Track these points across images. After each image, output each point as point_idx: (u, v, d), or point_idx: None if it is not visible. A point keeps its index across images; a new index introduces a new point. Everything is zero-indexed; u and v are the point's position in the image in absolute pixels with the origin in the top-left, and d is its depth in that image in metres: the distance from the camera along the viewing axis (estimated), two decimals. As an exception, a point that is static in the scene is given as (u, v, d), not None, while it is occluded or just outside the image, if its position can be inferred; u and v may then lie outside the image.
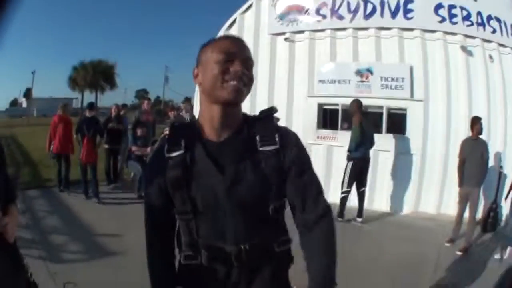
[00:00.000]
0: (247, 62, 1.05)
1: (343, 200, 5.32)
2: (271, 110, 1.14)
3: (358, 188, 5.47)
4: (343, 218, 5.26)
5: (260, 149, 1.06)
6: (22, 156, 11.26)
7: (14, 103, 62.61)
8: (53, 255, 3.82)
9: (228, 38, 1.10)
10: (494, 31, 6.51)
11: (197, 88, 5.71)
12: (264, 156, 1.05)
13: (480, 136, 4.82)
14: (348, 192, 5.36)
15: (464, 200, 4.69)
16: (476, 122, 4.81)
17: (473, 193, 4.59)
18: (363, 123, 5.32)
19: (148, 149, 6.03)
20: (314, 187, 1.10)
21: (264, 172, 1.04)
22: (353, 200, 5.54)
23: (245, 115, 1.12)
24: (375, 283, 3.47)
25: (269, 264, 1.10)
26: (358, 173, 5.38)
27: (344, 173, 5.36)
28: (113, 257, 3.77)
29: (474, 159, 4.62)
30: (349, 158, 5.37)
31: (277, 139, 1.07)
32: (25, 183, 7.01)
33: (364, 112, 5.58)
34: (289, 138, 1.10)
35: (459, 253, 4.35)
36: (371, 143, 5.51)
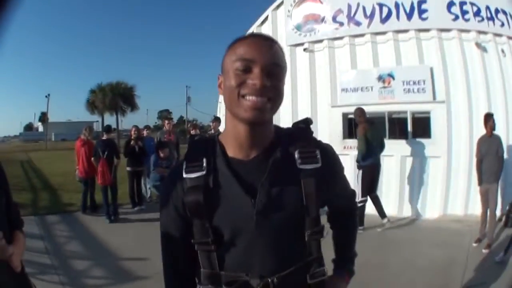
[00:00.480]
0: (273, 70, 0.86)
1: (362, 209, 5.29)
2: (308, 122, 1.00)
3: (369, 195, 5.45)
4: (364, 226, 5.27)
5: (300, 167, 0.91)
6: (40, 181, 11.06)
7: (29, 127, 62.87)
8: (75, 280, 3.77)
9: (250, 38, 0.91)
10: (502, 25, 6.59)
11: (219, 99, 5.51)
12: (304, 175, 0.91)
13: (494, 132, 4.84)
14: (365, 201, 5.37)
15: (485, 198, 4.72)
16: (488, 119, 4.81)
17: (492, 188, 4.60)
18: (367, 133, 5.29)
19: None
20: (351, 195, 1.16)
21: (303, 193, 0.90)
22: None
23: (277, 127, 0.98)
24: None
25: None
26: (370, 181, 5.38)
27: (357, 183, 5.34)
28: (139, 281, 3.65)
29: (490, 156, 4.66)
30: (358, 167, 5.36)
31: (318, 156, 0.93)
32: (45, 208, 6.97)
33: (369, 119, 5.55)
34: (331, 155, 0.99)
35: (485, 251, 4.39)
36: (381, 147, 5.49)
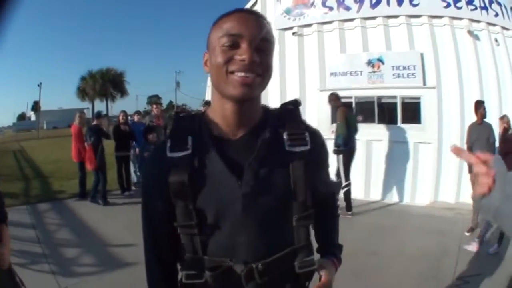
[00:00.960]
0: (262, 45, 0.81)
1: (347, 193, 5.19)
2: (297, 103, 0.96)
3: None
4: (352, 212, 5.14)
5: (288, 149, 0.87)
6: (32, 170, 11.02)
7: (22, 117, 62.53)
8: (64, 269, 3.72)
9: (235, 13, 0.84)
10: (496, 15, 6.57)
11: (208, 82, 5.47)
12: (293, 157, 0.86)
13: (485, 120, 4.73)
14: (349, 185, 5.24)
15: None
16: (479, 106, 4.71)
17: None
18: (347, 117, 5.19)
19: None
20: (333, 187, 1.15)
21: (291, 176, 0.86)
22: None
23: (265, 107, 0.93)
24: (398, 275, 3.43)
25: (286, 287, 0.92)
26: (349, 165, 5.26)
27: (338, 168, 5.20)
28: (129, 268, 3.60)
29: (480, 144, 4.53)
30: (337, 152, 5.18)
31: (307, 138, 0.89)
32: (36, 196, 6.96)
33: (345, 103, 5.46)
34: (320, 139, 0.95)
35: (477, 240, 4.21)
36: (355, 131, 5.40)
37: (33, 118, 52.97)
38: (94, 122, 6.60)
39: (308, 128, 0.93)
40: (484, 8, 6.49)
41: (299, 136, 0.89)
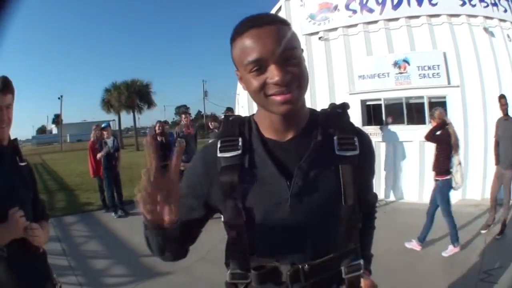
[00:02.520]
0: (288, 55, 0.78)
1: None
2: (345, 107, 0.96)
3: None
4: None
5: (338, 153, 0.87)
6: (56, 182, 10.92)
7: (42, 130, 61.91)
8: (94, 280, 3.70)
9: (250, 30, 0.79)
10: (505, 11, 6.77)
11: (237, 90, 5.38)
12: (343, 161, 0.87)
13: (511, 115, 4.63)
14: None
15: (498, 180, 4.55)
16: (500, 101, 4.66)
17: (506, 175, 4.38)
18: None
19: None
20: (374, 197, 1.10)
21: (341, 180, 0.86)
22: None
23: (312, 110, 0.94)
24: (424, 273, 3.50)
25: None
26: None
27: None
28: (161, 277, 3.56)
29: (505, 140, 4.49)
30: None
31: (356, 143, 0.89)
32: (62, 209, 6.91)
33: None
34: (368, 143, 0.95)
35: (498, 237, 4.24)
36: None
37: (54, 131, 52.87)
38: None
39: (357, 132, 0.93)
40: (495, 4, 6.68)
41: (349, 140, 0.89)
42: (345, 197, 0.86)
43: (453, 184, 4.07)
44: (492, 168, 5.78)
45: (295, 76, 0.79)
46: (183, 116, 6.46)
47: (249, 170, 0.85)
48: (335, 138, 0.88)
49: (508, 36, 6.60)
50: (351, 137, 0.89)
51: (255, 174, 0.85)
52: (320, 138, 0.87)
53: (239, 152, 0.86)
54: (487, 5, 6.60)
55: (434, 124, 4.23)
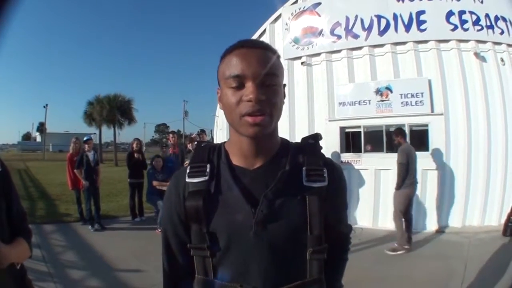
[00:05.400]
0: (267, 80, 0.83)
1: None
2: (317, 138, 0.97)
3: None
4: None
5: (306, 184, 0.89)
6: (37, 190, 11.22)
7: (27, 137, 62.78)
8: None
9: (238, 49, 0.86)
10: (502, 32, 6.55)
11: (216, 112, 5.55)
12: (310, 192, 0.88)
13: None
14: None
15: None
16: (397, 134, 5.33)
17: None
18: None
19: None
20: (348, 228, 1.08)
21: (307, 211, 0.87)
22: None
23: (283, 140, 0.96)
24: None
25: None
26: None
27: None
28: None
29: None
30: None
31: (325, 174, 0.90)
32: (42, 217, 7.10)
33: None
34: (338, 175, 0.96)
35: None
36: None
37: (38, 139, 53.82)
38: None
39: (327, 163, 0.94)
40: (490, 26, 6.48)
41: (318, 171, 0.90)
42: (311, 228, 0.87)
43: None
44: (474, 196, 5.86)
45: (270, 101, 0.82)
46: (170, 135, 6.70)
47: (215, 196, 0.88)
48: (304, 168, 0.90)
49: (502, 60, 6.43)
50: (320, 168, 0.91)
51: (220, 200, 0.88)
52: (288, 167, 0.89)
53: (206, 178, 0.89)
54: (481, 28, 6.42)
55: None
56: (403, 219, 5.08)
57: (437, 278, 4.01)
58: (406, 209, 5.11)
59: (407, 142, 5.35)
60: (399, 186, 5.09)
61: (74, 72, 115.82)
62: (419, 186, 6.05)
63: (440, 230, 5.93)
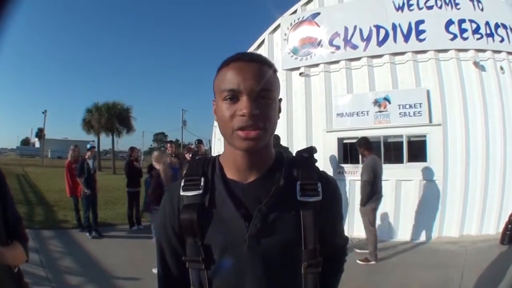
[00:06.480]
0: (262, 94, 0.83)
1: None
2: (311, 151, 0.97)
3: None
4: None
5: (300, 199, 0.89)
6: (36, 196, 11.27)
7: (26, 142, 62.83)
8: None
9: (234, 62, 0.86)
10: (502, 40, 6.52)
11: (215, 123, 5.57)
12: (304, 207, 0.88)
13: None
14: None
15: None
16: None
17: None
18: None
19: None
20: (344, 240, 1.08)
21: (301, 225, 0.87)
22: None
23: (278, 153, 0.96)
24: None
25: None
26: None
27: None
28: None
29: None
30: None
31: (319, 189, 0.91)
32: (40, 222, 7.16)
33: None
34: (332, 189, 0.95)
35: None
36: None
37: (37, 144, 53.72)
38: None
39: (321, 176, 0.94)
40: (490, 35, 6.45)
41: (312, 186, 0.90)
42: (305, 242, 0.87)
43: None
44: (472, 206, 5.90)
45: (264, 116, 0.82)
46: (169, 145, 6.74)
47: (209, 209, 0.88)
48: (298, 183, 0.89)
49: (502, 68, 6.41)
50: (315, 182, 0.90)
51: (214, 213, 0.88)
52: (283, 182, 0.89)
53: (200, 191, 0.90)
54: (481, 37, 6.40)
55: None
56: (375, 232, 5.01)
57: (434, 287, 4.06)
58: (375, 221, 5.04)
59: (372, 154, 5.09)
60: (364, 203, 4.93)
61: (73, 78, 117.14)
62: (417, 196, 6.13)
63: (438, 240, 5.99)
